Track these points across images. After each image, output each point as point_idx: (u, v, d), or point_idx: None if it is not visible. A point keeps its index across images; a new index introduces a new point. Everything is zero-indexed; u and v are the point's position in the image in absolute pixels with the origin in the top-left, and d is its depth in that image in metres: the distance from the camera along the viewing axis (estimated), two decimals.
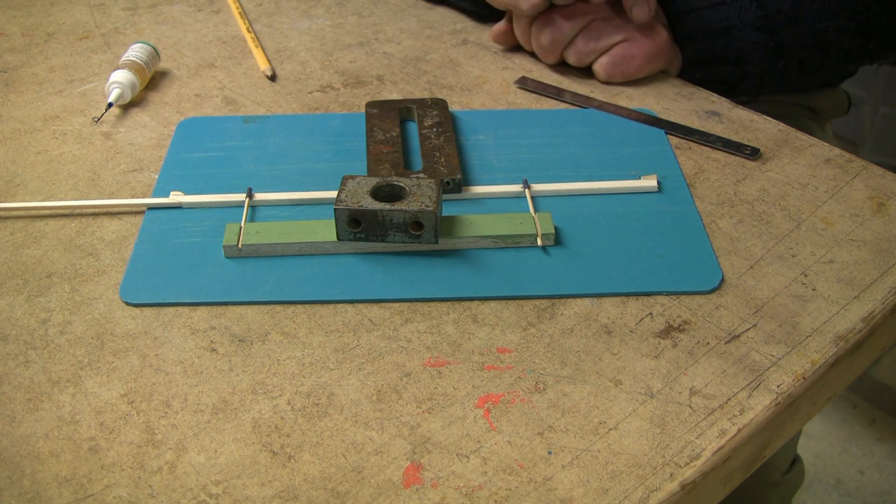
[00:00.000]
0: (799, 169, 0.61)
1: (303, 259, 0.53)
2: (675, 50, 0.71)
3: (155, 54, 0.72)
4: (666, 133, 0.65)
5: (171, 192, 0.58)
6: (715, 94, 0.69)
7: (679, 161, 0.62)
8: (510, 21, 0.73)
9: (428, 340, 0.48)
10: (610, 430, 0.43)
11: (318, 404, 0.45)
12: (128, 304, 0.51)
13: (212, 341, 0.48)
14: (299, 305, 0.50)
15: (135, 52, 0.71)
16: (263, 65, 0.74)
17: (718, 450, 0.42)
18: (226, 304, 0.51)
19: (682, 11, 0.71)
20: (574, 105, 0.68)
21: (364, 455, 0.42)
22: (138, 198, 0.59)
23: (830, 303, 0.50)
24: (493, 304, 0.50)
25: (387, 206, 0.51)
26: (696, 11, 0.71)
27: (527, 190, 0.58)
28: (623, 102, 0.69)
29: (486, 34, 0.78)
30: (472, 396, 0.45)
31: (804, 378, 0.46)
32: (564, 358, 0.47)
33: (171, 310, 0.50)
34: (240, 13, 0.82)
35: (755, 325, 0.49)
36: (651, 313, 0.50)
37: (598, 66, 0.70)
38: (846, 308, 0.50)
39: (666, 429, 0.43)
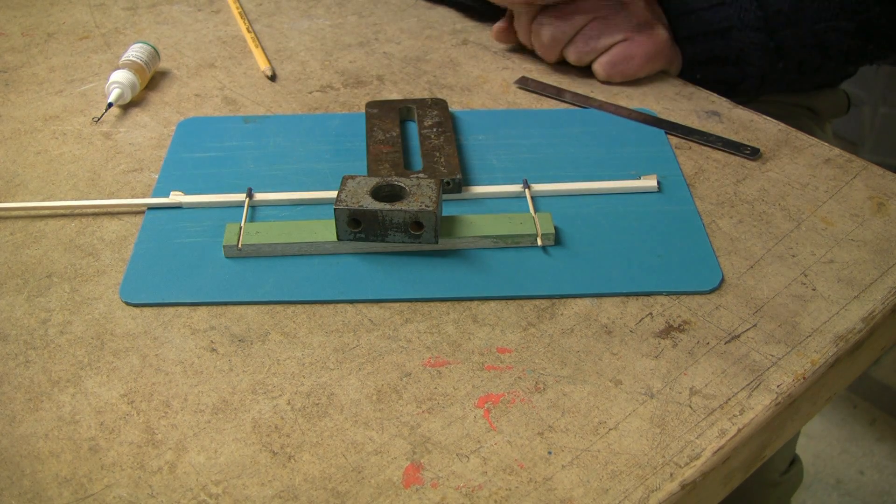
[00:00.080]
0: (799, 169, 0.61)
1: (303, 259, 0.53)
2: (675, 50, 0.71)
3: (155, 54, 0.72)
4: (666, 133, 0.65)
5: (171, 192, 0.58)
6: (715, 94, 0.69)
7: (679, 161, 0.62)
8: (511, 19, 0.73)
9: (428, 340, 0.48)
10: (610, 430, 0.43)
11: (318, 404, 0.45)
12: (128, 304, 0.51)
13: (212, 341, 0.48)
14: (299, 305, 0.50)
15: (135, 52, 0.71)
16: (263, 65, 0.74)
17: (718, 450, 0.42)
18: (226, 304, 0.51)
19: (682, 12, 0.71)
20: (574, 105, 0.68)
21: (364, 455, 0.42)
22: (138, 198, 0.59)
23: (830, 303, 0.50)
24: (493, 304, 0.50)
25: (387, 206, 0.52)
26: (697, 12, 0.71)
27: (527, 190, 0.58)
28: (623, 102, 0.69)
29: (487, 34, 0.78)
30: (472, 396, 0.45)
31: (804, 378, 0.46)
32: (564, 358, 0.47)
33: (171, 310, 0.50)
34: (240, 13, 0.82)
35: (755, 325, 0.49)
36: (651, 313, 0.50)
37: (598, 66, 0.70)
38: (846, 308, 0.50)
39: (666, 429, 0.43)
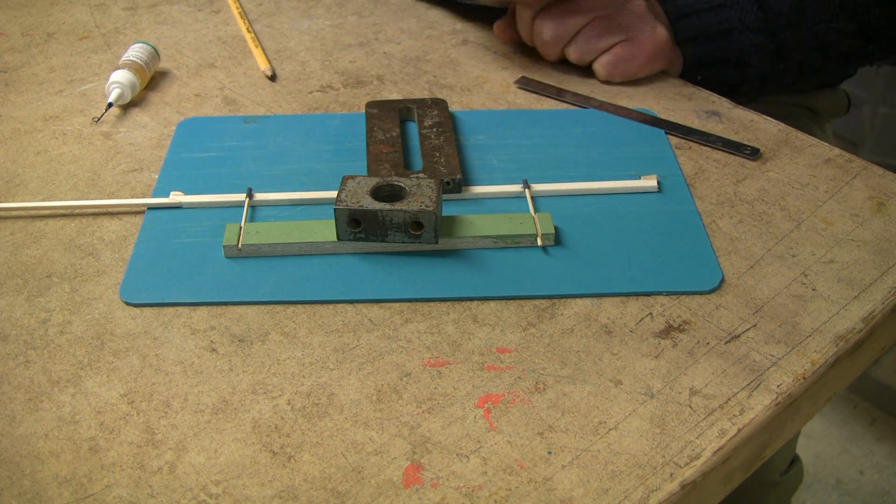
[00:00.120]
0: (799, 169, 0.61)
1: (303, 259, 0.53)
2: (675, 51, 0.71)
3: (155, 54, 0.72)
4: (666, 133, 0.65)
5: (171, 192, 0.58)
6: (715, 94, 0.69)
7: (679, 161, 0.62)
8: (513, 16, 0.73)
9: (428, 340, 0.48)
10: (610, 430, 0.43)
11: (318, 404, 0.45)
12: (128, 304, 0.51)
13: (212, 341, 0.48)
14: (299, 305, 0.50)
15: (135, 52, 0.71)
16: (263, 65, 0.74)
17: (718, 450, 0.42)
18: (226, 304, 0.51)
19: (683, 13, 0.71)
20: (574, 105, 0.68)
21: (364, 455, 0.42)
22: (138, 198, 0.59)
23: (830, 303, 0.50)
24: (493, 304, 0.50)
25: (387, 206, 0.52)
26: (698, 14, 0.71)
27: (527, 190, 0.58)
28: (623, 102, 0.69)
29: (487, 34, 0.78)
30: (472, 396, 0.45)
31: (804, 378, 0.46)
32: (564, 358, 0.47)
33: (171, 310, 0.50)
34: (240, 13, 0.82)
35: (755, 325, 0.49)
36: (651, 313, 0.50)
37: (599, 66, 0.70)
38: (846, 308, 0.50)
39: (666, 429, 0.43)
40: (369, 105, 0.66)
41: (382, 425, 0.44)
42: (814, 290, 0.51)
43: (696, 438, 0.43)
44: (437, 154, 0.60)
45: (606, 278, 0.52)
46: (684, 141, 0.64)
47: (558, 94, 0.69)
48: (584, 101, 0.68)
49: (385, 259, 0.53)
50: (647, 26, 0.69)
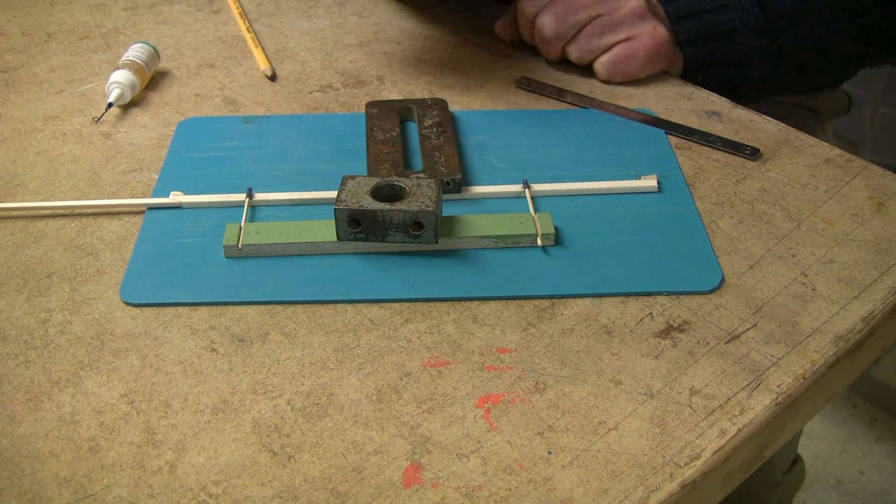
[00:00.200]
0: (799, 169, 0.61)
1: (303, 259, 0.53)
2: (676, 51, 0.71)
3: (155, 54, 0.72)
4: (666, 133, 0.65)
5: (171, 192, 0.58)
6: (715, 95, 0.69)
7: (679, 161, 0.62)
8: (514, 15, 0.73)
9: (428, 340, 0.48)
10: (610, 430, 0.43)
11: (318, 404, 0.45)
12: (128, 304, 0.51)
13: (212, 341, 0.48)
14: (299, 305, 0.50)
15: (135, 52, 0.71)
16: (263, 65, 0.74)
17: (718, 450, 0.42)
18: (226, 304, 0.51)
19: (684, 14, 0.71)
20: (574, 105, 0.68)
21: (364, 455, 0.42)
22: (138, 198, 0.59)
23: (830, 303, 0.50)
24: (493, 304, 0.50)
25: (387, 206, 0.52)
26: (699, 15, 0.71)
27: (527, 190, 0.58)
28: (623, 102, 0.69)
29: (487, 34, 0.78)
30: (472, 396, 0.45)
31: (804, 378, 0.46)
32: (564, 358, 0.47)
33: (171, 310, 0.50)
34: (240, 13, 0.82)
35: (755, 325, 0.49)
36: (651, 313, 0.50)
37: (599, 65, 0.70)
38: (846, 308, 0.50)
39: (666, 429, 0.43)
40: (369, 105, 0.66)
41: (382, 425, 0.44)
42: (814, 290, 0.51)
43: (696, 438, 0.43)
44: (437, 154, 0.60)
45: (606, 278, 0.52)
46: (684, 141, 0.64)
47: (558, 94, 0.69)
48: (584, 101, 0.68)
49: (385, 259, 0.53)
50: (648, 26, 0.69)
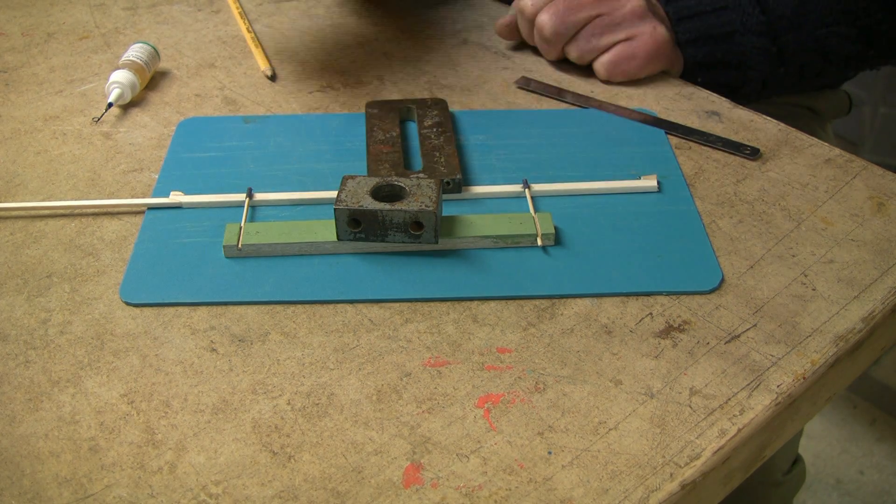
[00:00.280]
0: (799, 169, 0.61)
1: (303, 259, 0.53)
2: (676, 52, 0.71)
3: (155, 54, 0.72)
4: (666, 133, 0.65)
5: (171, 192, 0.58)
6: (715, 95, 0.69)
7: (679, 161, 0.62)
8: (514, 15, 0.73)
9: (428, 340, 0.48)
10: (610, 430, 0.43)
11: (318, 404, 0.45)
12: (128, 304, 0.51)
13: (212, 341, 0.48)
14: (299, 305, 0.50)
15: (135, 52, 0.71)
16: (263, 65, 0.74)
17: (718, 450, 0.42)
18: (226, 304, 0.51)
19: (684, 15, 0.71)
20: (574, 105, 0.68)
21: (364, 455, 0.42)
22: (138, 198, 0.59)
23: (830, 303, 0.50)
24: (493, 304, 0.50)
25: (387, 206, 0.52)
26: (699, 16, 0.71)
27: (527, 190, 0.58)
28: (623, 102, 0.69)
29: (487, 34, 0.78)
30: (472, 396, 0.45)
31: (804, 378, 0.46)
32: (564, 358, 0.47)
33: (171, 310, 0.50)
34: (240, 13, 0.82)
35: (755, 325, 0.49)
36: (651, 313, 0.50)
37: (599, 65, 0.70)
38: (846, 308, 0.50)
39: (666, 429, 0.43)
40: (369, 105, 0.66)
41: (382, 425, 0.44)
42: (814, 290, 0.51)
43: (696, 438, 0.43)
44: (437, 154, 0.60)
45: (606, 278, 0.52)
46: (684, 141, 0.64)
47: (558, 94, 0.69)
48: (584, 101, 0.68)
49: (385, 259, 0.53)
50: (648, 26, 0.69)
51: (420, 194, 0.52)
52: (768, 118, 0.66)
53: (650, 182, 0.59)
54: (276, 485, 0.41)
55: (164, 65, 0.75)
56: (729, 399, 0.45)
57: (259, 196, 0.58)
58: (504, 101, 0.69)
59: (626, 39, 0.69)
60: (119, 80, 0.68)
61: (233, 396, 0.45)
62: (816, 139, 0.64)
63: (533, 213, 0.55)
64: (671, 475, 0.41)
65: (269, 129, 0.66)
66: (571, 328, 0.49)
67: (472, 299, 0.51)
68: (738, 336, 0.48)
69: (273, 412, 0.44)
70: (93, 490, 0.41)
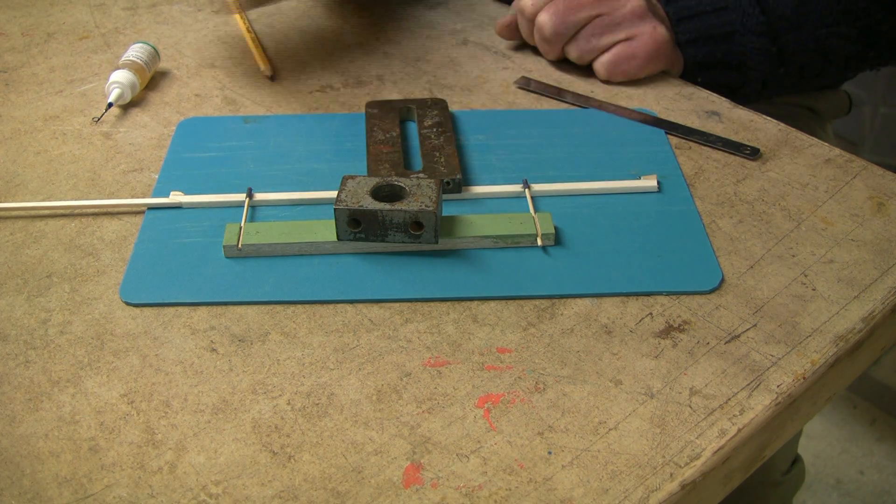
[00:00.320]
0: (799, 169, 0.61)
1: (303, 259, 0.53)
2: (676, 52, 0.71)
3: (155, 54, 0.72)
4: (666, 133, 0.65)
5: (171, 192, 0.58)
6: (715, 95, 0.69)
7: (679, 161, 0.62)
8: (514, 15, 0.73)
9: (428, 340, 0.48)
10: (610, 430, 0.43)
11: (318, 404, 0.45)
12: (128, 304, 0.51)
13: (212, 341, 0.48)
14: (299, 305, 0.50)
15: (135, 52, 0.71)
16: (263, 65, 0.74)
17: (718, 450, 0.42)
18: (226, 304, 0.51)
19: (684, 16, 0.71)
20: (574, 105, 0.68)
21: (364, 455, 0.42)
22: (138, 198, 0.59)
23: (830, 303, 0.50)
24: (493, 304, 0.50)
25: (387, 206, 0.52)
26: (699, 16, 0.71)
27: (527, 190, 0.58)
28: (623, 102, 0.69)
29: (487, 34, 0.78)
30: (472, 396, 0.45)
31: (804, 378, 0.46)
32: (564, 358, 0.47)
33: (171, 310, 0.50)
34: (240, 13, 0.82)
35: (755, 325, 0.49)
36: (651, 313, 0.50)
37: (599, 65, 0.70)
38: (846, 308, 0.50)
39: (666, 429, 0.43)
40: (369, 105, 0.66)
41: (382, 425, 0.44)
42: (814, 290, 0.51)
43: (696, 438, 0.43)
44: (437, 154, 0.60)
45: (606, 278, 0.52)
46: (684, 141, 0.64)
47: (558, 94, 0.69)
48: (584, 101, 0.68)
49: (385, 259, 0.53)
50: (648, 26, 0.69)
51: (420, 194, 0.52)
52: (768, 118, 0.66)
53: (650, 182, 0.59)
54: (276, 485, 0.41)
55: (164, 65, 0.75)
56: (729, 399, 0.45)
57: (259, 196, 0.58)
58: (504, 101, 0.69)
59: (626, 39, 0.69)
60: (119, 80, 0.68)
61: (233, 396, 0.45)
62: (816, 139, 0.64)
63: (533, 213, 0.55)
64: (671, 475, 0.41)
65: (269, 129, 0.66)
66: (571, 328, 0.49)
67: (472, 299, 0.51)
68: (738, 336, 0.48)
69: (273, 412, 0.44)
70: (93, 490, 0.41)
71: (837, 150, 0.63)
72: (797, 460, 0.97)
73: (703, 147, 0.63)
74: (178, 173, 0.61)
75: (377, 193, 0.53)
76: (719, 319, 0.49)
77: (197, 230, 0.56)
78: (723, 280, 0.52)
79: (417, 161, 0.62)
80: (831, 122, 0.92)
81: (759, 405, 0.44)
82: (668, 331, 0.49)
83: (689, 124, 0.66)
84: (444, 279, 0.52)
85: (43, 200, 0.59)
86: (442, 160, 0.60)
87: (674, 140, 0.64)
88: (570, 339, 0.48)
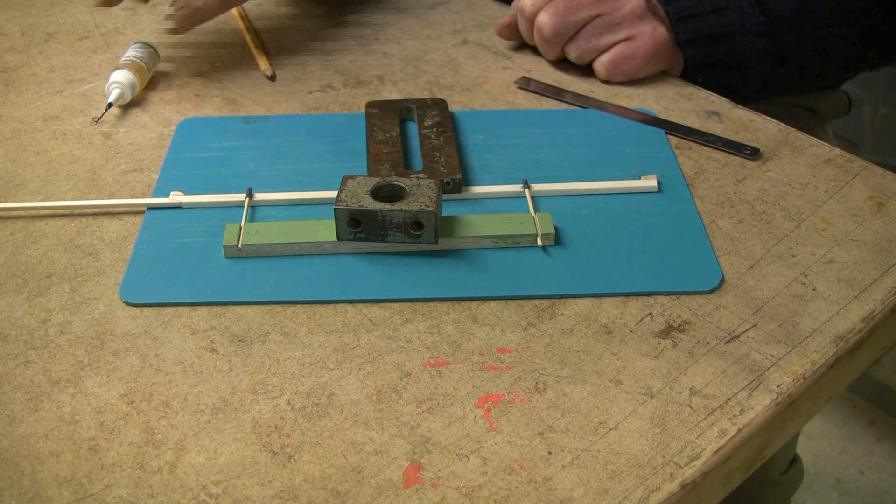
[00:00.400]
0: (799, 169, 0.61)
1: (303, 259, 0.53)
2: (676, 52, 0.71)
3: (155, 54, 0.72)
4: (666, 133, 0.65)
5: (171, 192, 0.58)
6: (715, 95, 0.69)
7: (679, 161, 0.62)
8: (514, 15, 0.73)
9: (428, 340, 0.48)
10: (610, 430, 0.43)
11: (318, 404, 0.45)
12: (128, 304, 0.51)
13: (212, 341, 0.48)
14: (299, 305, 0.50)
15: (135, 52, 0.71)
16: (263, 65, 0.74)
17: (718, 450, 0.42)
18: (226, 304, 0.51)
19: (684, 16, 0.71)
20: (574, 105, 0.68)
21: (364, 455, 0.42)
22: (138, 198, 0.59)
23: (830, 303, 0.50)
24: (493, 304, 0.50)
25: (387, 206, 0.52)
26: (699, 16, 0.71)
27: (527, 190, 0.58)
28: (623, 102, 0.69)
29: (487, 34, 0.78)
30: (472, 396, 0.45)
31: (804, 378, 0.46)
32: (564, 358, 0.47)
33: (171, 310, 0.50)
34: (240, 13, 0.82)
35: (755, 325, 0.49)
36: (651, 313, 0.50)
37: (599, 65, 0.70)
38: (846, 308, 0.50)
39: (666, 429, 0.43)
40: (369, 105, 0.66)
41: (382, 425, 0.44)
42: (814, 290, 0.51)
43: (696, 438, 0.43)
44: (437, 154, 0.60)
45: (606, 278, 0.52)
46: (684, 141, 0.64)
47: (558, 94, 0.69)
48: (584, 101, 0.68)
49: (385, 259, 0.53)
50: (648, 26, 0.69)
51: (420, 194, 0.52)
52: (768, 118, 0.66)
53: (650, 182, 0.59)
54: (276, 485, 0.41)
55: (163, 65, 0.75)
56: (729, 399, 0.45)
57: (259, 196, 0.58)
58: (504, 101, 0.69)
59: (626, 39, 0.69)
60: (119, 80, 0.68)
61: (233, 396, 0.45)
62: (816, 139, 0.64)
63: (533, 213, 0.55)
64: (671, 475, 0.41)
65: (269, 129, 0.66)
66: (571, 328, 0.49)
67: (472, 299, 0.51)
68: (738, 336, 0.48)
69: (273, 412, 0.44)
70: (93, 490, 0.41)
71: (837, 150, 0.63)
72: (795, 460, 0.97)
73: (703, 147, 0.63)
74: (178, 173, 0.61)
75: (377, 193, 0.53)
76: (719, 319, 0.49)
77: (197, 230, 0.56)
78: (723, 280, 0.52)
79: (417, 161, 0.62)
80: (831, 122, 0.92)
81: (759, 405, 0.44)
82: (668, 331, 0.49)
83: (689, 124, 0.66)
84: (444, 279, 0.52)
85: (43, 200, 0.59)
86: (442, 160, 0.60)
87: (674, 140, 0.64)
88: (570, 339, 0.48)
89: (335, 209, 0.52)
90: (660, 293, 0.51)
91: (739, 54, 0.71)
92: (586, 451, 0.42)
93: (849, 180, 0.60)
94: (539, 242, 0.54)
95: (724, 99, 0.69)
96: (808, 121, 0.87)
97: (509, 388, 0.45)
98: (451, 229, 0.54)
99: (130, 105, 0.69)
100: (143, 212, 0.58)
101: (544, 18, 0.69)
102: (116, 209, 0.58)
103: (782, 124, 0.66)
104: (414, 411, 0.44)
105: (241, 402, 0.45)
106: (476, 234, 0.53)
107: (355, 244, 0.53)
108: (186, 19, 0.69)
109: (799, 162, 0.62)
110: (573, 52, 0.70)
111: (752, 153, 0.62)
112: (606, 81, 0.71)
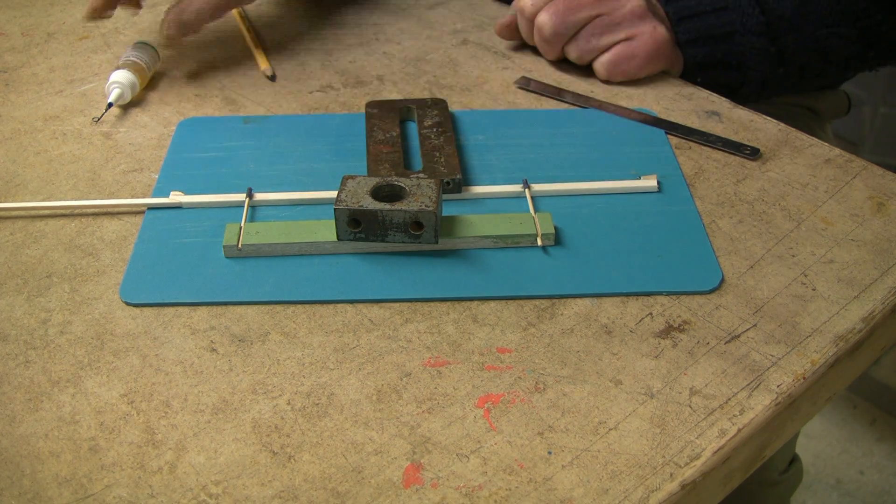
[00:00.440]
0: (799, 169, 0.61)
1: (303, 259, 0.53)
2: (676, 52, 0.71)
3: (155, 54, 0.72)
4: (666, 133, 0.65)
5: (171, 192, 0.58)
6: (715, 95, 0.69)
7: (679, 161, 0.62)
8: (514, 15, 0.73)
9: (428, 340, 0.48)
10: (610, 430, 0.43)
11: (318, 404, 0.45)
12: (128, 304, 0.51)
13: (212, 341, 0.48)
14: (299, 305, 0.50)
15: (135, 52, 0.71)
16: (263, 65, 0.74)
17: (718, 450, 0.42)
18: (226, 304, 0.51)
19: (684, 15, 0.71)
20: (574, 105, 0.68)
21: (364, 455, 0.42)
22: (138, 198, 0.59)
23: (830, 303, 0.50)
24: (493, 304, 0.50)
25: (387, 206, 0.52)
26: (699, 16, 0.71)
27: (527, 190, 0.58)
28: (623, 102, 0.69)
29: (487, 34, 0.78)
30: (472, 396, 0.45)
31: (804, 378, 0.46)
32: (564, 358, 0.47)
33: (171, 310, 0.50)
34: (240, 13, 0.82)
35: (755, 325, 0.49)
36: (651, 313, 0.50)
37: (599, 65, 0.70)
38: (846, 308, 0.50)
39: (666, 429, 0.43)
40: (369, 105, 0.66)
41: (382, 425, 0.44)
42: (814, 290, 0.51)
43: (696, 438, 0.43)
44: (437, 154, 0.60)
45: (606, 278, 0.52)
46: (684, 141, 0.64)
47: (558, 94, 0.69)
48: (584, 101, 0.68)
49: (385, 259, 0.53)
50: (648, 26, 0.69)
51: (420, 194, 0.52)
52: (768, 118, 0.66)
53: (650, 182, 0.59)
54: (276, 485, 0.41)
55: (164, 65, 0.75)
56: (729, 399, 0.45)
57: (259, 196, 0.58)
58: (504, 101, 0.69)
59: (626, 39, 0.69)
60: (119, 80, 0.68)
61: (233, 396, 0.45)
62: (816, 139, 0.64)
63: (533, 213, 0.55)
64: (671, 475, 0.41)
65: (269, 129, 0.66)
66: (571, 328, 0.49)
67: (472, 299, 0.51)
68: (738, 336, 0.48)
69: (273, 412, 0.44)
70: (93, 490, 0.41)
71: (837, 150, 0.63)
72: (795, 460, 0.97)
73: (703, 147, 0.63)
74: (178, 173, 0.61)
75: (377, 193, 0.53)
76: (719, 319, 0.49)
77: (197, 230, 0.56)
78: (723, 280, 0.52)
79: (417, 161, 0.62)
80: (831, 122, 0.92)
81: (759, 405, 0.44)
82: (668, 331, 0.49)
83: (689, 124, 0.66)
84: (444, 279, 0.52)
85: (43, 200, 0.59)
86: (442, 160, 0.60)
87: (674, 140, 0.64)
88: (570, 339, 0.48)
89: (335, 209, 0.52)
90: (660, 293, 0.51)
91: (739, 54, 0.71)
92: (586, 451, 0.42)
93: (849, 180, 0.60)
94: (539, 242, 0.54)
95: (724, 99, 0.69)
96: (807, 121, 0.87)
97: (509, 388, 0.45)
98: (451, 229, 0.54)
99: (130, 105, 0.69)
100: (143, 212, 0.58)
101: (544, 18, 0.69)
102: (116, 209, 0.58)
103: (782, 124, 0.66)
104: (414, 411, 0.44)
105: (241, 402, 0.45)
106: (476, 234, 0.53)
107: (355, 244, 0.53)
108: (179, 31, 0.69)
109: (799, 162, 0.62)
110: (573, 52, 0.70)
111: (752, 153, 0.62)
112: (606, 81, 0.71)
